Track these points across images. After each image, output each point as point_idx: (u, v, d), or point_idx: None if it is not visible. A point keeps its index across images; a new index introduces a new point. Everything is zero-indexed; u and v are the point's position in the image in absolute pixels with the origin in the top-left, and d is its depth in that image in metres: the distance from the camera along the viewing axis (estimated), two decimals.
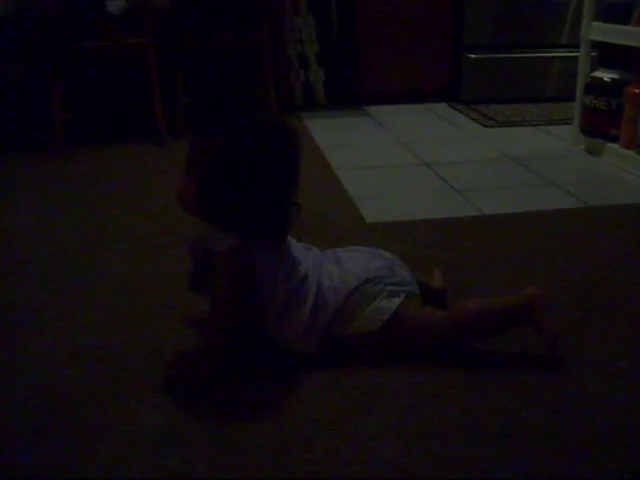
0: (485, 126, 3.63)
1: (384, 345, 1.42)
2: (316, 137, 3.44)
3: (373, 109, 4.11)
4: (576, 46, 3.25)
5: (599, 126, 3.00)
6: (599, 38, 3.01)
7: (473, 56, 4.09)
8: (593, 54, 3.12)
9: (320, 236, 2.06)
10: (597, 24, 3.00)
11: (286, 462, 1.14)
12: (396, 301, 1.42)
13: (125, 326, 1.60)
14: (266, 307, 1.39)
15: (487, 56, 4.10)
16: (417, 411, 1.27)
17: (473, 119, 3.80)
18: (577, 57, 3.18)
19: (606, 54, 3.14)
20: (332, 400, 1.31)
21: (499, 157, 3.06)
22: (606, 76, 2.97)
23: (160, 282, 1.83)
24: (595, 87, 2.99)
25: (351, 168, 2.90)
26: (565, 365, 1.41)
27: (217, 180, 1.33)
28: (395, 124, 3.74)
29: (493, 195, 2.54)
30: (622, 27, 2.84)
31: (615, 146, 2.91)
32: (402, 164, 2.98)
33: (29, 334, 1.58)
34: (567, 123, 3.42)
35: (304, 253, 1.47)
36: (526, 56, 4.15)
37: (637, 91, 2.75)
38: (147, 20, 3.22)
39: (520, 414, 1.26)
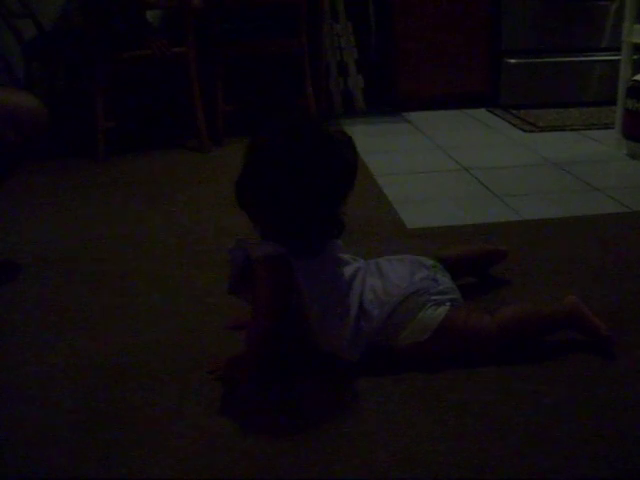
0: (525, 131, 3.61)
1: (432, 354, 1.42)
2: (355, 143, 3.44)
3: (412, 115, 4.12)
4: (617, 49, 3.23)
5: None
6: None
7: (512, 61, 4.07)
8: (635, 57, 3.09)
9: (361, 242, 2.07)
10: (639, 27, 2.97)
11: (326, 465, 1.15)
12: (442, 311, 1.43)
13: (166, 329, 1.64)
14: (308, 315, 1.40)
15: (526, 61, 4.08)
16: (458, 417, 1.28)
17: (513, 124, 3.78)
18: (618, 60, 3.15)
19: None
20: (373, 405, 1.32)
21: (540, 162, 3.04)
22: None
23: (200, 286, 1.86)
24: (637, 91, 2.96)
25: (391, 174, 2.91)
26: (615, 367, 1.41)
27: (259, 183, 1.33)
28: (434, 130, 3.74)
29: (534, 200, 2.52)
30: None
31: None
32: (442, 169, 2.98)
33: (73, 332, 1.63)
34: (609, 127, 3.39)
35: (347, 265, 1.47)
36: (566, 60, 4.11)
37: None
38: (188, 28, 3.27)
39: (565, 415, 1.26)
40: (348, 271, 1.45)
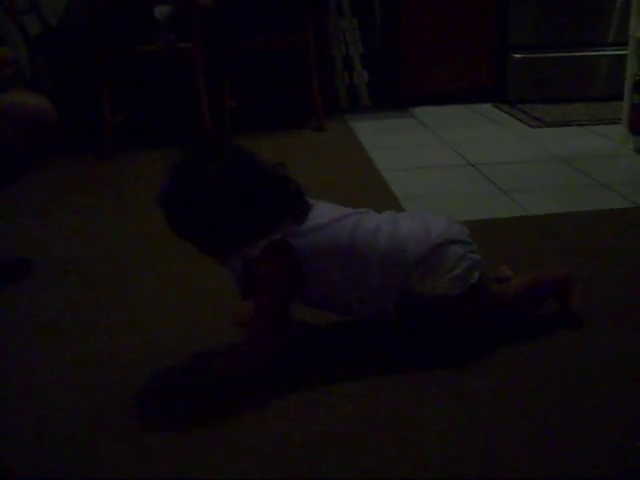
0: (531, 126, 3.61)
1: (459, 312, 1.42)
2: (361, 138, 3.45)
3: (417, 110, 4.11)
4: (624, 44, 3.22)
5: None
6: None
7: (518, 56, 4.06)
8: None
9: None
10: None
11: (331, 464, 1.16)
12: (476, 274, 1.43)
13: (174, 327, 1.64)
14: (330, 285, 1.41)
15: (532, 56, 4.07)
16: (465, 415, 1.28)
17: (519, 119, 3.77)
18: (625, 55, 3.14)
19: None
20: (379, 403, 1.32)
21: (546, 157, 3.03)
22: None
23: (207, 283, 1.86)
24: None
25: (397, 169, 2.91)
26: (622, 365, 1.41)
27: (205, 218, 1.38)
28: (440, 125, 3.73)
29: (540, 195, 2.52)
30: None
31: None
32: (448, 165, 2.98)
33: (76, 333, 1.63)
34: (615, 123, 3.37)
35: (345, 218, 1.47)
36: (572, 55, 4.09)
37: None
38: (195, 24, 3.27)
39: (574, 410, 1.26)
40: (348, 223, 1.45)
